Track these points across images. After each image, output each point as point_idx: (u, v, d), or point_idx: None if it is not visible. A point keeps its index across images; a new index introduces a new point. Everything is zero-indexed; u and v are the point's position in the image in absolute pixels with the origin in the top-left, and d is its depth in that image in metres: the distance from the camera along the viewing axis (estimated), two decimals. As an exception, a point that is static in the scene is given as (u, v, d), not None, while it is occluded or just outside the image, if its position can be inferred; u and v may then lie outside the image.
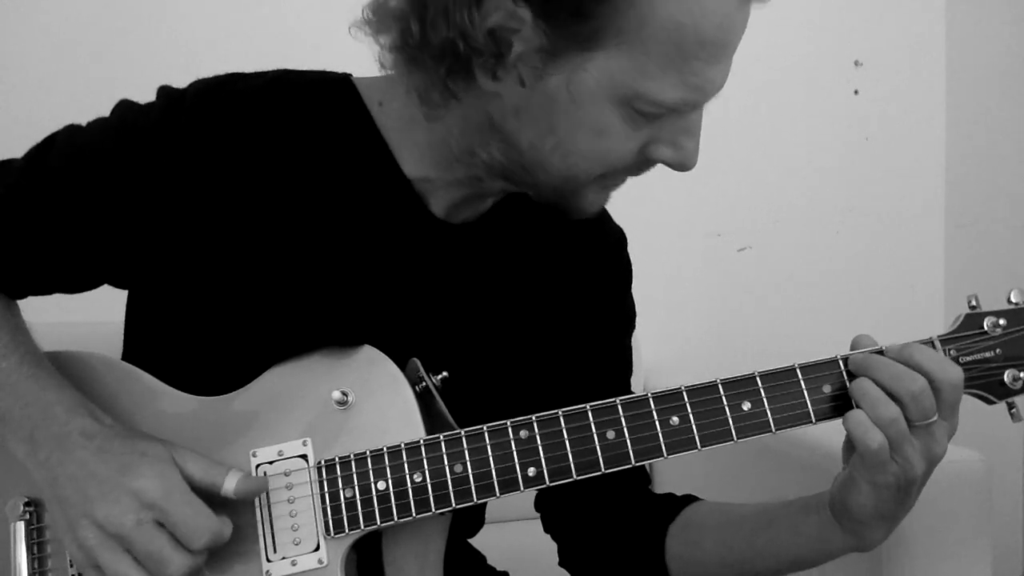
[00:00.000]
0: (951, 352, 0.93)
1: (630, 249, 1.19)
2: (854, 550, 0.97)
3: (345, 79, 1.03)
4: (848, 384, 0.91)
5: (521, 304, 1.09)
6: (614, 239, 1.17)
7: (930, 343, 0.93)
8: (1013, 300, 0.93)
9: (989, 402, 0.93)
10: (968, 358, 0.92)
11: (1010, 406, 0.93)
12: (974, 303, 0.94)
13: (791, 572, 1.05)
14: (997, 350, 0.92)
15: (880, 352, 0.91)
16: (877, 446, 0.87)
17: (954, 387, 0.88)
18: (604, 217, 1.16)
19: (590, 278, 1.13)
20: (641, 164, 0.94)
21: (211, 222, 0.96)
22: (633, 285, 1.20)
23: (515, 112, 0.90)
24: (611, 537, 1.13)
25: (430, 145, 0.98)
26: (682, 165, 0.93)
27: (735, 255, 2.38)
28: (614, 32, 0.84)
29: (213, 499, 0.87)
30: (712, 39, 0.85)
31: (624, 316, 1.19)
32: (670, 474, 2.05)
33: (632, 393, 0.94)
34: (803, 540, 1.00)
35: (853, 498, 0.92)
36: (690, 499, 1.13)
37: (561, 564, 1.18)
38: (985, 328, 0.93)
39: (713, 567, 1.06)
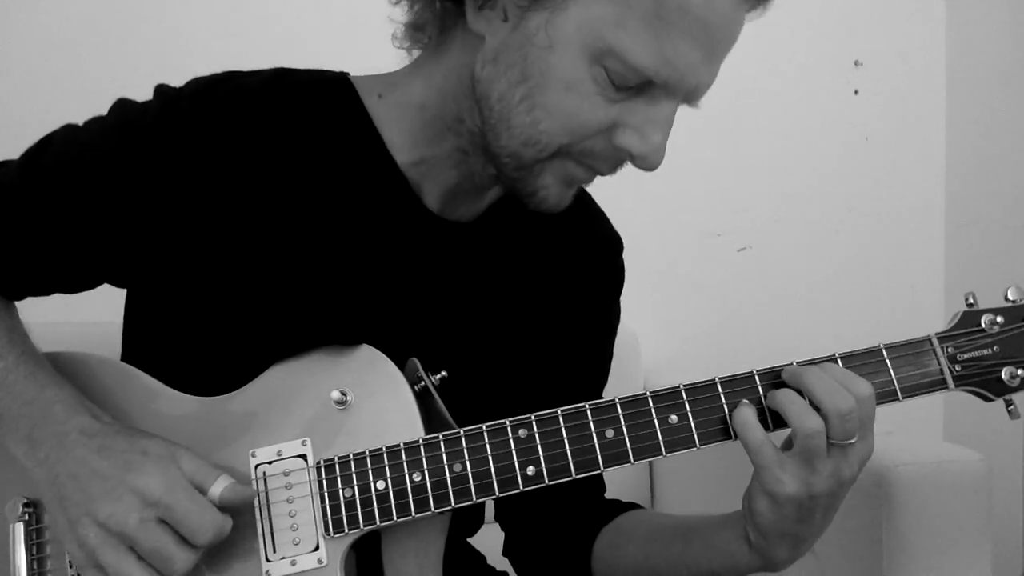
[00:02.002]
0: (949, 349, 0.93)
1: (631, 249, 1.19)
2: (761, 569, 0.96)
3: (343, 77, 1.03)
4: (773, 392, 0.90)
5: (517, 304, 1.09)
6: (610, 245, 1.17)
7: (928, 341, 0.93)
8: (1010, 297, 0.94)
9: (987, 399, 0.93)
10: (966, 355, 0.92)
11: (1008, 403, 0.93)
12: (972, 301, 0.94)
13: None
14: (995, 347, 0.93)
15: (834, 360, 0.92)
16: (757, 442, 0.87)
17: (864, 401, 0.87)
18: (601, 222, 1.17)
19: (583, 282, 1.14)
20: (608, 153, 0.93)
21: (208, 221, 0.96)
22: (633, 285, 1.20)
23: (494, 58, 0.91)
24: (548, 534, 1.15)
25: (424, 123, 0.99)
26: (645, 158, 0.91)
27: (735, 255, 2.38)
28: None
29: None
30: (696, 14, 0.84)
31: (609, 322, 1.20)
32: (671, 476, 2.05)
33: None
34: (713, 554, 0.99)
35: (753, 506, 0.91)
36: (631, 506, 1.14)
37: (504, 554, 1.20)
38: (983, 325, 0.93)
39: (631, 570, 1.07)
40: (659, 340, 2.24)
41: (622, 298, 1.21)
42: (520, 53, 0.89)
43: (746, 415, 0.89)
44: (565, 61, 0.88)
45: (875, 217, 2.44)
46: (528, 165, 0.93)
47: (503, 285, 1.07)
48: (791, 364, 0.91)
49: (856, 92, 2.42)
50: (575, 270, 1.13)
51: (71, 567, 0.93)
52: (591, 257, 1.14)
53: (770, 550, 0.93)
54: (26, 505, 0.94)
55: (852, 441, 0.87)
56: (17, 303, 1.02)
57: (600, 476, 1.16)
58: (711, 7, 0.85)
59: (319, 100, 1.00)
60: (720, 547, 0.98)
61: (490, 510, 1.12)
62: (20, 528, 0.94)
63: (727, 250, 2.38)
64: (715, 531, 0.99)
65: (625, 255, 1.20)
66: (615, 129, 0.91)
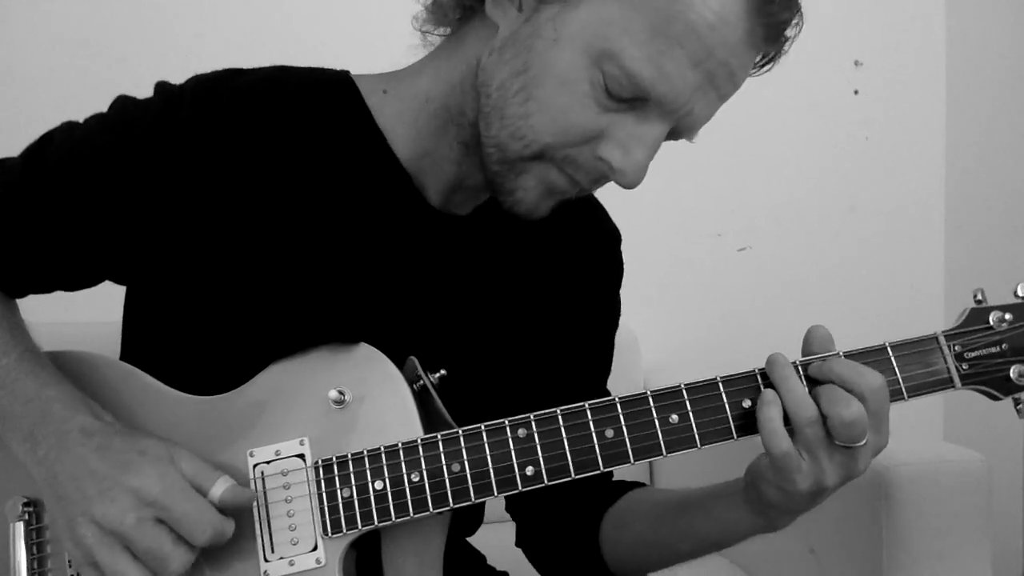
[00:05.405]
0: (956, 347, 0.91)
1: (632, 249, 1.19)
2: (763, 531, 0.98)
3: (343, 75, 1.03)
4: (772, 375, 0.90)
5: (517, 300, 1.09)
6: (609, 238, 1.18)
7: (934, 339, 0.91)
8: (1020, 294, 0.91)
9: (995, 398, 0.91)
10: (973, 354, 0.91)
11: (1016, 402, 0.91)
12: (980, 297, 0.92)
13: (710, 552, 1.06)
14: (1003, 345, 0.90)
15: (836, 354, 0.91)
16: (781, 453, 0.86)
17: (875, 392, 0.86)
18: (601, 216, 1.17)
19: (583, 275, 1.14)
20: (589, 165, 0.92)
21: (208, 218, 0.96)
22: (633, 285, 1.20)
23: (501, 47, 0.92)
24: (556, 520, 1.15)
25: (428, 116, 0.99)
26: (623, 173, 0.91)
27: (735, 255, 2.38)
28: None
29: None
30: (703, 37, 0.85)
31: (610, 315, 1.20)
32: (670, 475, 2.05)
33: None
34: (717, 525, 1.00)
35: (765, 496, 0.92)
36: (635, 485, 1.15)
37: (516, 544, 1.20)
38: (991, 323, 0.91)
39: (638, 547, 1.09)
40: (659, 340, 2.25)
41: (622, 296, 1.21)
42: (526, 44, 0.90)
43: (774, 421, 0.87)
44: (566, 57, 0.88)
45: (875, 217, 2.44)
46: (511, 160, 0.93)
47: (502, 281, 1.07)
48: (794, 362, 0.91)
49: (856, 92, 2.42)
50: (574, 263, 1.13)
51: (70, 566, 0.93)
52: (590, 250, 1.14)
53: (776, 521, 0.95)
54: (26, 504, 0.94)
55: (860, 444, 0.86)
56: (18, 301, 1.02)
57: None
58: (719, 35, 0.86)
59: (319, 97, 1.00)
60: (723, 517, 0.99)
61: (490, 510, 1.12)
62: (20, 527, 0.93)
63: (727, 250, 2.38)
64: (716, 502, 1.00)
65: (625, 254, 1.20)
66: (600, 140, 0.91)
